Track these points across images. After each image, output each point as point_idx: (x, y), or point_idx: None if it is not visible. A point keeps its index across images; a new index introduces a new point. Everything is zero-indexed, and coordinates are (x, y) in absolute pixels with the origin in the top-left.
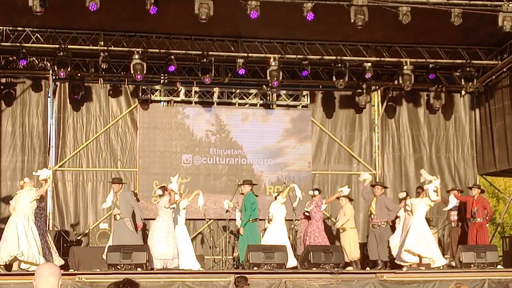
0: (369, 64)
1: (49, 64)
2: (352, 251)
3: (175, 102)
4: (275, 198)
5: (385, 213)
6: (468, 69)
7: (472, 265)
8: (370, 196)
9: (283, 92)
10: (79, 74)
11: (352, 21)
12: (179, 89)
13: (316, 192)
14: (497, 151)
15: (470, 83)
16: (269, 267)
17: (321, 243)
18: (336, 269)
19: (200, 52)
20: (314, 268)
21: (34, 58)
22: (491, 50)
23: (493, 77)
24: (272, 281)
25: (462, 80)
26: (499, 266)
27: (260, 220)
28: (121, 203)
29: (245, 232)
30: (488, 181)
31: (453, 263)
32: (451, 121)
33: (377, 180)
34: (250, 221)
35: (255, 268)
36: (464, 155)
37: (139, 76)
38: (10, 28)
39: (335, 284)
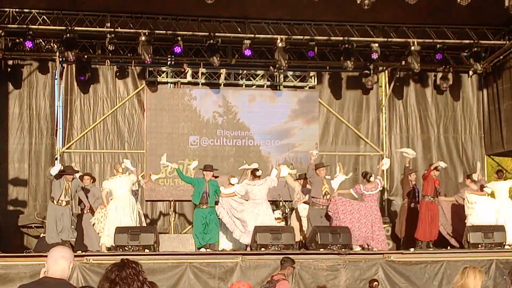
0: (376, 44)
1: (56, 46)
2: None
3: (182, 83)
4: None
5: None
6: (475, 49)
7: (479, 245)
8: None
9: (290, 73)
10: (85, 56)
11: (359, 1)
12: (186, 71)
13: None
14: (504, 132)
15: (478, 63)
16: (276, 248)
17: None
18: (343, 249)
19: (206, 34)
20: (321, 249)
21: (41, 40)
22: (499, 30)
23: (501, 57)
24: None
25: (470, 60)
26: (507, 246)
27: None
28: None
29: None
30: (496, 161)
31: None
32: (458, 102)
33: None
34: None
35: (262, 249)
36: (472, 135)
37: (148, 60)
38: (17, 10)
39: (343, 265)
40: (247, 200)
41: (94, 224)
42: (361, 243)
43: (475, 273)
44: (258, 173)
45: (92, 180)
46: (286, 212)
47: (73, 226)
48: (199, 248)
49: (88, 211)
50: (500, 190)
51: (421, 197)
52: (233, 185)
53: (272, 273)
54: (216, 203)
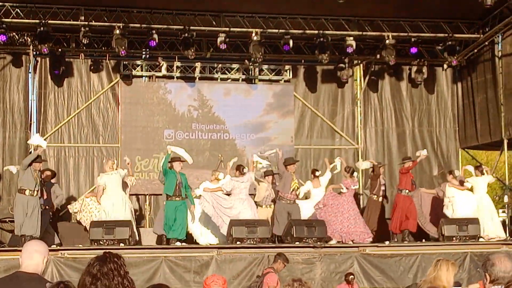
0: (351, 38)
1: (29, 40)
2: None
3: (157, 77)
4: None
5: None
6: (450, 42)
7: (454, 238)
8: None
9: (265, 66)
10: (60, 50)
11: None
12: (161, 64)
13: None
14: (479, 125)
15: (452, 57)
16: (252, 242)
17: None
18: (318, 243)
19: (181, 27)
20: (297, 242)
21: (15, 34)
22: (473, 23)
23: (475, 50)
24: (255, 255)
25: (444, 54)
26: (481, 239)
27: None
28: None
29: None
30: (470, 154)
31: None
32: (433, 95)
33: (360, 155)
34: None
35: (238, 242)
36: (446, 128)
37: (122, 52)
38: None
39: (318, 258)
40: (228, 195)
41: (81, 218)
42: (341, 238)
43: (448, 265)
44: (245, 169)
45: (52, 175)
46: None
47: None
48: (168, 239)
49: (47, 207)
50: (479, 186)
51: (397, 191)
52: (219, 180)
53: (248, 267)
54: (186, 196)
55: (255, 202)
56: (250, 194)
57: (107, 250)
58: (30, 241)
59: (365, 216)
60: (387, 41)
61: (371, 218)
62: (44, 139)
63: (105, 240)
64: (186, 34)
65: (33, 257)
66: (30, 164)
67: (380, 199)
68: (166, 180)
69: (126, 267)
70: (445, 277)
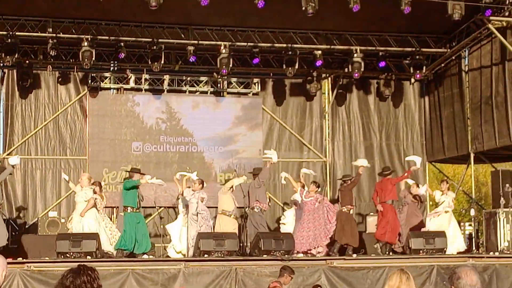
0: (320, 52)
1: None
2: None
3: (125, 89)
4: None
5: None
6: (417, 57)
7: (421, 251)
8: None
9: (233, 79)
10: (27, 61)
11: (303, 8)
12: (129, 77)
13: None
14: (446, 139)
15: (419, 71)
16: (219, 255)
17: None
18: (286, 256)
19: (150, 40)
20: (264, 255)
21: None
22: (440, 38)
23: (442, 65)
24: (223, 268)
25: (412, 68)
26: (448, 252)
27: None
28: None
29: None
30: (437, 168)
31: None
32: (400, 109)
33: (328, 168)
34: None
35: (205, 255)
36: (414, 142)
37: (87, 64)
38: None
39: None
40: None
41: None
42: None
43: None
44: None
45: None
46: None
47: None
48: (129, 252)
49: None
50: (443, 202)
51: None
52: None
53: (215, 280)
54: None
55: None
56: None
57: (81, 263)
58: None
59: (339, 230)
60: (355, 55)
61: (346, 231)
62: (11, 151)
63: (71, 253)
64: (155, 47)
65: None
66: None
67: (351, 211)
68: (127, 193)
69: (99, 280)
70: None
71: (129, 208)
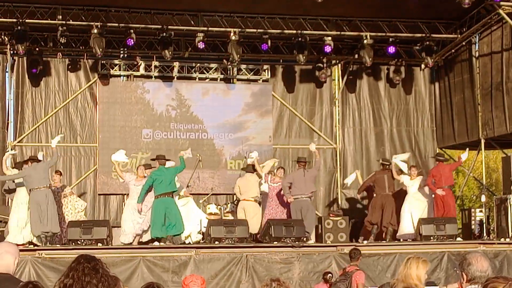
0: (329, 38)
1: (6, 39)
2: None
3: (135, 76)
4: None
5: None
6: (427, 43)
7: (431, 238)
8: None
9: (243, 66)
10: (37, 49)
11: None
12: (139, 64)
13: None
14: (456, 125)
15: (430, 57)
16: (230, 241)
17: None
18: (297, 242)
19: (159, 26)
20: (275, 242)
21: None
22: (450, 24)
23: (452, 50)
24: (234, 255)
25: (422, 54)
26: (458, 239)
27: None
28: None
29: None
30: (448, 154)
31: None
32: (411, 95)
33: (338, 155)
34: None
35: (216, 242)
36: (424, 128)
37: (99, 54)
38: None
39: (296, 257)
40: None
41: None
42: None
43: (418, 263)
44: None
45: None
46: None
47: None
48: (155, 239)
49: None
50: (411, 186)
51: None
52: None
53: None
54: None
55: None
56: None
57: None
58: (0, 243)
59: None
60: (365, 41)
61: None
62: (22, 139)
63: (83, 240)
64: (164, 34)
65: (4, 258)
66: None
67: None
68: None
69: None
70: (415, 274)
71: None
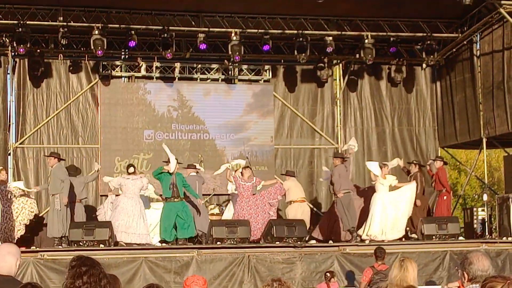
0: (331, 38)
1: (7, 40)
2: None
3: (136, 77)
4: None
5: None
6: (428, 42)
7: (433, 237)
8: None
9: (244, 66)
10: (38, 50)
11: None
12: (140, 65)
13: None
14: (458, 124)
15: (431, 56)
16: (232, 242)
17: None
18: (299, 242)
19: (160, 27)
20: (277, 242)
21: None
22: (451, 23)
23: (454, 50)
24: (236, 255)
25: (423, 53)
26: (461, 238)
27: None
28: (52, 178)
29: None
30: (450, 153)
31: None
32: (412, 94)
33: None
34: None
35: (218, 242)
36: (426, 127)
37: (99, 52)
38: None
39: (298, 257)
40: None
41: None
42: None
43: (412, 264)
44: None
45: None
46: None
47: None
48: (163, 241)
49: None
50: (383, 185)
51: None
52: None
53: (228, 267)
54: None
55: None
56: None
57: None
58: (2, 244)
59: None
60: (366, 41)
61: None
62: (23, 140)
63: (84, 241)
64: (165, 35)
65: (6, 260)
66: None
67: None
68: (162, 183)
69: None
70: (412, 276)
71: (165, 198)
